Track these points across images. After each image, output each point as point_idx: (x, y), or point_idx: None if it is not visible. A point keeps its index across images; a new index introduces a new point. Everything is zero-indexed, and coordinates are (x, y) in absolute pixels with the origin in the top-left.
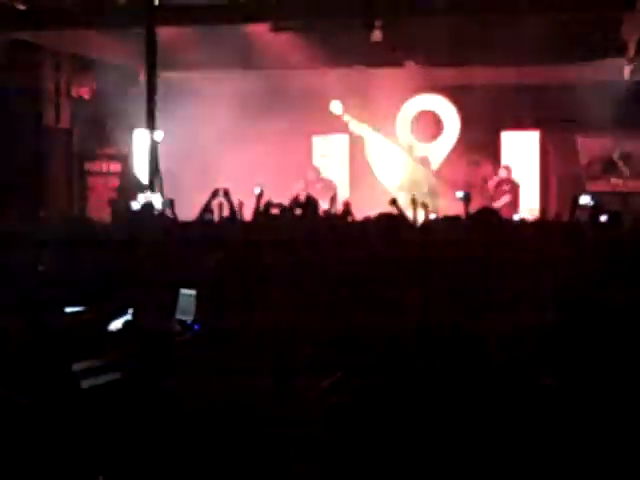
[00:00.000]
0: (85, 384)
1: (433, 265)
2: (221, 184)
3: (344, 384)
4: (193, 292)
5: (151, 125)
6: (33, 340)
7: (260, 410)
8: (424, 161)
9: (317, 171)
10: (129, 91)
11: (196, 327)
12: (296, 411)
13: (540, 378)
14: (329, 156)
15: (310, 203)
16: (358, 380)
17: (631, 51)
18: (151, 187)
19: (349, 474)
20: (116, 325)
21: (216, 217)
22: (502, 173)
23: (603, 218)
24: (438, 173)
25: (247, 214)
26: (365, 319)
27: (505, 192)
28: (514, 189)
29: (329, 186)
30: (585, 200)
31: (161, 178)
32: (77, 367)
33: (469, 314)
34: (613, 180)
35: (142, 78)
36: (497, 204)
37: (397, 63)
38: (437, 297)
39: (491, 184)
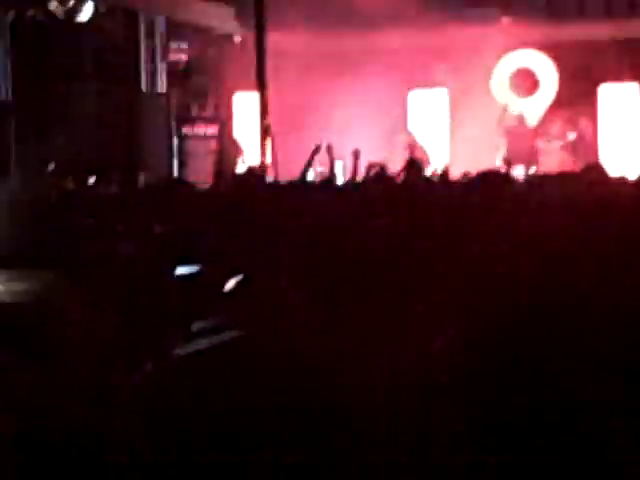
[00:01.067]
0: (203, 343)
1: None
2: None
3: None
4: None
5: (261, 87)
6: (151, 300)
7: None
8: (520, 118)
9: (412, 137)
10: (226, 54)
11: None
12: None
13: None
14: (427, 113)
15: (414, 164)
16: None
17: None
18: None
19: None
20: (230, 286)
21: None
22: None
23: None
24: (536, 130)
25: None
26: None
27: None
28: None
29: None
30: None
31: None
32: (196, 326)
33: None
34: None
35: (237, 40)
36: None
37: (493, 19)
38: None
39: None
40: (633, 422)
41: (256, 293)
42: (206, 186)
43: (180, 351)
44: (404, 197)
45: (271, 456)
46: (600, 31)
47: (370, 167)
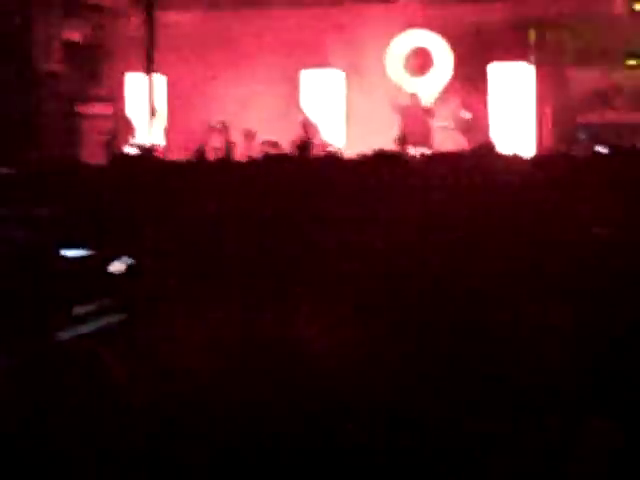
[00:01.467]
0: (87, 328)
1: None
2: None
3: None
4: None
5: (149, 67)
6: (34, 284)
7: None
8: (413, 97)
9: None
10: (120, 33)
11: None
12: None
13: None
14: (322, 92)
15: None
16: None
17: None
18: (148, 129)
19: None
20: (117, 267)
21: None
22: None
23: (603, 150)
24: (430, 110)
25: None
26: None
27: None
28: None
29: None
30: (582, 135)
31: (159, 119)
32: (79, 310)
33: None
34: (606, 112)
35: (133, 20)
36: None
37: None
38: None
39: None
40: None
41: (142, 276)
42: (99, 166)
43: (63, 335)
44: (296, 178)
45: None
46: (493, 12)
47: (264, 146)
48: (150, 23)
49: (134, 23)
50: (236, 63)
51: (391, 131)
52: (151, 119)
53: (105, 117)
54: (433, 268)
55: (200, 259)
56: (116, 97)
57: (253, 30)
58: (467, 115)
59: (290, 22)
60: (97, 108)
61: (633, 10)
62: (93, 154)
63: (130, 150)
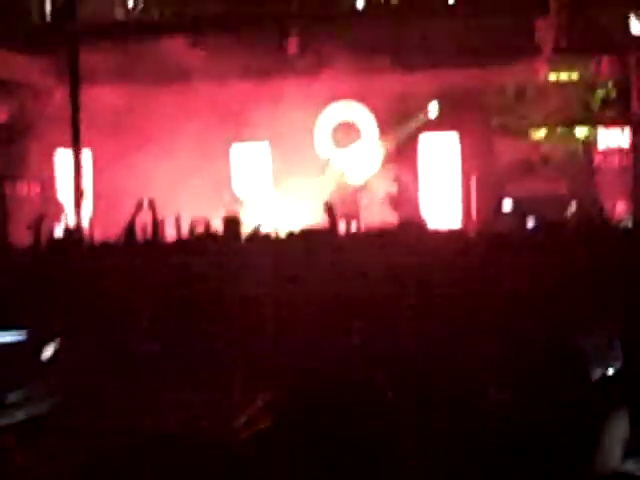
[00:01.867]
0: (17, 416)
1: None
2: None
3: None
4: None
5: (76, 145)
6: None
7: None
8: (342, 171)
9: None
10: (45, 111)
11: None
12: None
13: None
14: (250, 166)
15: (233, 222)
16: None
17: (546, 51)
18: (76, 209)
19: None
20: (48, 351)
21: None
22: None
23: (530, 224)
24: (358, 183)
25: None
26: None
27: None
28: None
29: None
30: (507, 205)
31: (87, 198)
32: (10, 397)
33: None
34: (531, 182)
35: (58, 97)
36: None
37: (313, 72)
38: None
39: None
40: None
41: (72, 360)
42: (26, 248)
43: None
44: (224, 258)
45: None
46: (421, 82)
47: (193, 224)
48: (75, 99)
49: (59, 99)
50: (163, 138)
51: (319, 204)
52: (80, 199)
53: (33, 197)
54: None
55: (124, 342)
56: (44, 176)
57: (180, 104)
58: (394, 188)
59: (218, 96)
60: (25, 188)
61: (557, 80)
62: (21, 235)
63: (60, 231)
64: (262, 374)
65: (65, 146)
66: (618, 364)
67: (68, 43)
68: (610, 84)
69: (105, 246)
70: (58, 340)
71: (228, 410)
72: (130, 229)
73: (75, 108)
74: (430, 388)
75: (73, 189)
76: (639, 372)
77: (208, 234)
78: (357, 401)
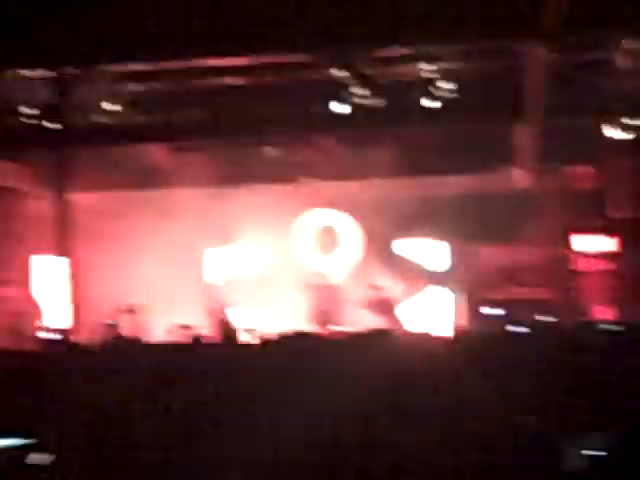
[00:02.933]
0: None
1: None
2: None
3: None
4: None
5: (63, 251)
6: None
7: None
8: (323, 276)
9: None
10: (25, 214)
11: None
12: None
13: None
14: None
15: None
16: None
17: (522, 160)
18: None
19: None
20: (40, 459)
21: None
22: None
23: (518, 329)
24: (338, 288)
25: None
26: None
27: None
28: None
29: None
30: (487, 311)
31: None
32: None
33: None
34: (513, 288)
35: (35, 201)
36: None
37: (290, 179)
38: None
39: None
40: None
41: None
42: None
43: None
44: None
45: None
46: (399, 190)
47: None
48: (60, 204)
49: (41, 204)
50: (142, 243)
51: (300, 310)
52: (66, 305)
53: (12, 300)
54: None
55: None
56: (21, 280)
57: (161, 209)
58: (374, 294)
59: (196, 201)
60: (4, 291)
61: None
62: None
63: (42, 334)
64: None
65: (44, 251)
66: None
67: (54, 148)
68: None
69: (92, 350)
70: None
71: None
72: (114, 331)
73: (61, 213)
74: None
75: (59, 294)
76: None
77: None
78: None
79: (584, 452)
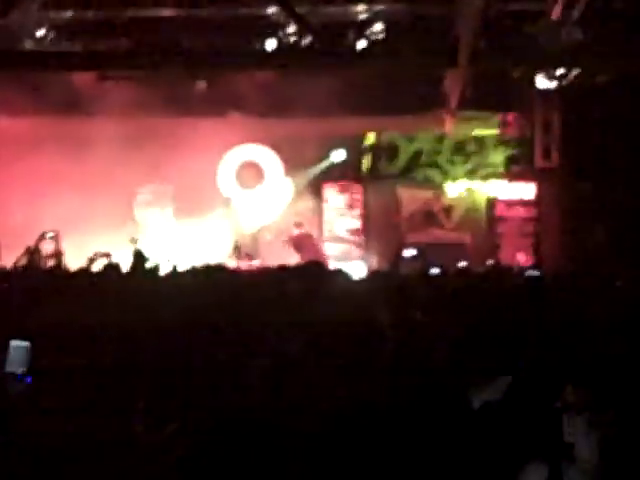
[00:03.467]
0: None
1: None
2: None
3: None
4: (25, 344)
5: None
6: None
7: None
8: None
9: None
10: None
11: (28, 379)
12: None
13: None
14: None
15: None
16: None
17: (452, 104)
18: None
19: None
20: None
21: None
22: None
23: (435, 271)
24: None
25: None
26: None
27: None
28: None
29: None
30: (409, 252)
31: None
32: None
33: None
34: (434, 231)
35: None
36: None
37: (220, 113)
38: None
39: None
40: None
41: None
42: None
43: None
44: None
45: None
46: (326, 129)
47: (95, 256)
48: None
49: None
50: (69, 172)
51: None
52: None
53: None
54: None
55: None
56: None
57: (86, 139)
58: (296, 231)
59: (124, 132)
60: None
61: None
62: None
63: None
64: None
65: None
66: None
67: None
68: (515, 140)
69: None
70: None
71: None
72: (33, 251)
73: None
74: None
75: None
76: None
77: (110, 266)
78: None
79: (480, 398)
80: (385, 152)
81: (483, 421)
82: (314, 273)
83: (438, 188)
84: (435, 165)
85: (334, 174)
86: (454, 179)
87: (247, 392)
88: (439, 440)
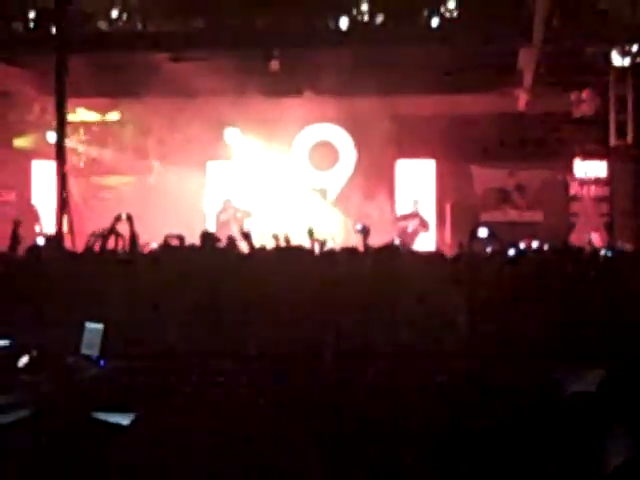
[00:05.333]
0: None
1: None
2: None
3: None
4: (99, 326)
5: (61, 157)
6: None
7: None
8: (322, 192)
9: (228, 201)
10: (25, 119)
11: (101, 363)
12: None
13: None
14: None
15: (208, 237)
16: None
17: (527, 82)
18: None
19: None
20: (24, 360)
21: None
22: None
23: (511, 252)
24: (335, 204)
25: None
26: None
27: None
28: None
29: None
30: (483, 233)
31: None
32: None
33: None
34: (507, 210)
35: (37, 107)
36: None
37: (295, 93)
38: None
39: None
40: None
41: (48, 369)
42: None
43: None
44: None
45: None
46: (400, 108)
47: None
48: (60, 111)
49: (39, 109)
50: (147, 152)
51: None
52: (62, 209)
53: (8, 204)
54: None
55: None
56: (20, 184)
57: (160, 119)
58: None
59: (198, 112)
60: (0, 195)
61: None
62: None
63: (40, 240)
64: None
65: (43, 157)
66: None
67: (56, 53)
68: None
69: (86, 255)
70: (36, 348)
71: None
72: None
73: (60, 120)
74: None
75: (56, 200)
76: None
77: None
78: None
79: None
80: None
81: (572, 411)
82: (391, 255)
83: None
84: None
85: (406, 151)
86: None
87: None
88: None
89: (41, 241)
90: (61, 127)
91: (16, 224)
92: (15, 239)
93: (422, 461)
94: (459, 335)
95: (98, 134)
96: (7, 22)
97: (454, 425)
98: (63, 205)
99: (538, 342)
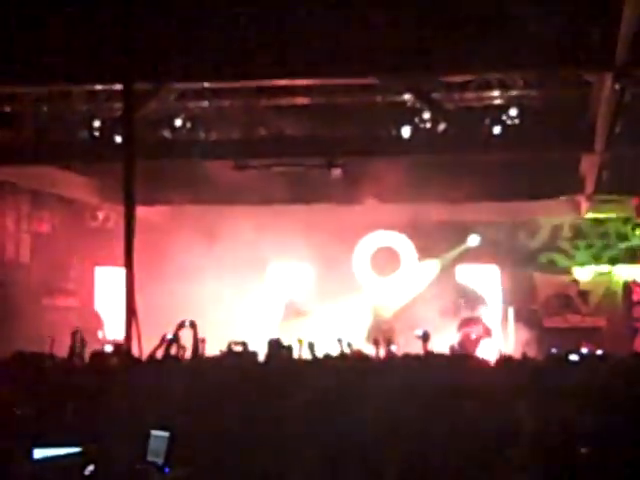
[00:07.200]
0: None
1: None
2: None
3: None
4: (165, 434)
5: (129, 262)
6: None
7: None
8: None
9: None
10: (88, 226)
11: (166, 470)
12: None
13: None
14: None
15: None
16: None
17: (589, 189)
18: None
19: None
20: (90, 469)
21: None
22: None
23: (573, 357)
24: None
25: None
26: None
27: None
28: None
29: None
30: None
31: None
32: None
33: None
34: (570, 316)
35: (100, 213)
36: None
37: (357, 200)
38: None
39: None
40: None
41: (113, 477)
42: (64, 360)
43: None
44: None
45: None
46: (461, 214)
47: (230, 345)
48: (129, 217)
49: (103, 216)
50: (206, 259)
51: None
52: (132, 317)
53: (72, 309)
54: None
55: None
56: (83, 290)
57: (223, 226)
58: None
59: (261, 218)
60: (63, 300)
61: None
62: (59, 347)
63: (106, 347)
64: None
65: (106, 263)
66: None
67: (125, 161)
68: None
69: (151, 362)
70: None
71: None
72: (169, 347)
73: (129, 227)
74: None
75: (125, 307)
76: None
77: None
78: None
79: None
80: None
81: None
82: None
83: (569, 273)
84: (557, 250)
85: (467, 258)
86: (581, 264)
87: None
88: None
89: (109, 348)
90: (129, 235)
91: (74, 334)
92: (74, 350)
93: None
94: None
95: None
96: (73, 131)
97: None
98: (131, 316)
99: None
